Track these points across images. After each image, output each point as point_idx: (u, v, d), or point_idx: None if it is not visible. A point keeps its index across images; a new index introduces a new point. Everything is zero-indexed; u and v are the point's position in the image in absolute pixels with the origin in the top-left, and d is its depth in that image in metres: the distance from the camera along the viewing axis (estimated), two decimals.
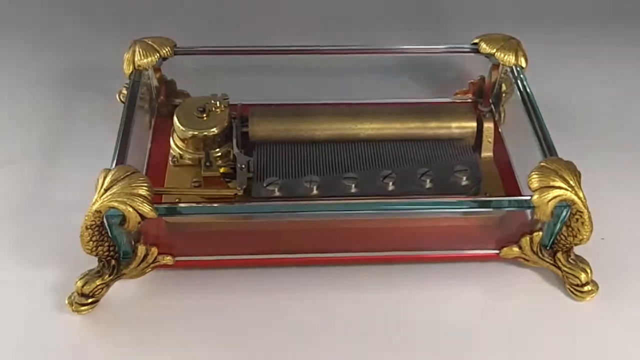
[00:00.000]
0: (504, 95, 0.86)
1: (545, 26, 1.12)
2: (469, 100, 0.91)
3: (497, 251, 0.73)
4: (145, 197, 0.64)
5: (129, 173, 0.66)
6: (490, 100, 0.89)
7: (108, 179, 0.65)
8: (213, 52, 0.86)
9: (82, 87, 0.96)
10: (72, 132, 0.90)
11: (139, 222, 0.65)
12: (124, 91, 0.88)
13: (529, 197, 0.67)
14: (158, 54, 0.82)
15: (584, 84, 1.01)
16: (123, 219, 0.65)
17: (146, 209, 0.64)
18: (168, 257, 0.71)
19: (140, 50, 0.82)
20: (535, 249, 0.72)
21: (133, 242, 0.69)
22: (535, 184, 0.67)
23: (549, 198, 0.66)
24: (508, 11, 1.15)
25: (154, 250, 0.70)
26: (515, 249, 0.72)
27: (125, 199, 0.64)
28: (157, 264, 0.71)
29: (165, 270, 0.72)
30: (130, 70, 0.81)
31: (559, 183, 0.66)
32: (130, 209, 0.64)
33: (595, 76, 1.03)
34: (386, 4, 1.16)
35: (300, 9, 1.14)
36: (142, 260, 0.70)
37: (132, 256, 0.70)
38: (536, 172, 0.68)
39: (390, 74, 0.97)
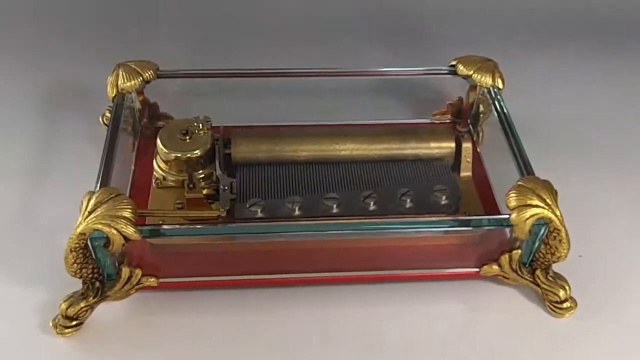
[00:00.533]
0: (481, 115, 0.87)
1: (521, 47, 1.15)
2: (448, 121, 0.92)
3: (477, 269, 0.74)
4: (129, 219, 0.65)
5: (112, 195, 0.66)
6: (469, 121, 0.90)
7: (92, 202, 0.65)
8: (195, 75, 0.86)
9: (66, 108, 0.97)
10: (56, 152, 0.90)
11: (123, 244, 0.65)
12: (107, 114, 0.88)
13: (507, 216, 0.68)
14: (141, 78, 0.83)
15: (559, 103, 1.03)
16: (107, 241, 0.65)
17: (130, 231, 0.65)
18: (152, 279, 0.71)
19: (124, 73, 0.82)
20: (514, 267, 0.73)
21: (117, 264, 0.69)
22: (513, 203, 0.68)
23: (527, 216, 0.67)
24: (483, 32, 1.17)
25: (138, 272, 0.70)
26: (495, 266, 0.73)
27: (109, 222, 0.64)
28: (141, 285, 0.71)
29: (149, 292, 0.72)
30: (114, 93, 0.82)
31: (536, 201, 0.67)
32: (114, 231, 0.64)
33: (569, 95, 1.05)
34: (366, 27, 1.19)
35: (281, 32, 1.16)
36: (126, 282, 0.70)
37: (116, 278, 0.70)
38: (514, 191, 0.69)
39: (369, 95, 0.98)
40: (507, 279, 0.73)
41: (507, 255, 0.72)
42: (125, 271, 0.70)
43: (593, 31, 1.20)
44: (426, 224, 0.69)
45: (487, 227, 0.70)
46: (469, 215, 0.75)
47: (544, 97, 1.03)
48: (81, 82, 1.01)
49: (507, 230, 0.71)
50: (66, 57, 1.08)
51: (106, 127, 0.80)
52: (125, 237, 0.65)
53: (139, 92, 0.85)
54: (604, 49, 1.16)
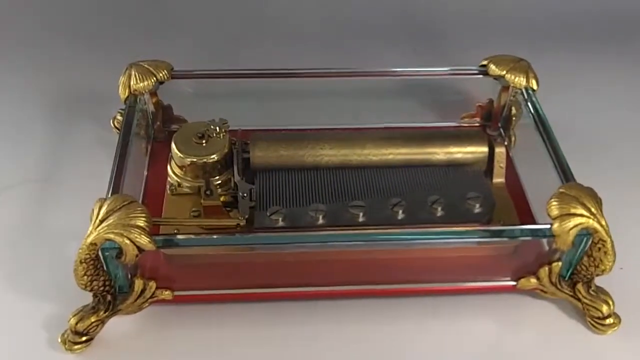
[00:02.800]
0: (513, 118, 0.84)
1: (548, 46, 1.11)
2: (477, 125, 0.88)
3: (513, 282, 0.70)
4: (143, 228, 0.61)
5: (125, 203, 0.62)
6: (499, 124, 0.86)
7: (103, 210, 0.62)
8: (211, 75, 0.83)
9: (76, 112, 0.94)
10: (67, 158, 0.87)
11: (137, 255, 0.62)
12: (119, 117, 0.85)
13: (548, 226, 0.64)
14: (155, 78, 0.79)
15: (592, 106, 0.99)
16: (119, 251, 0.61)
17: (144, 240, 0.61)
18: (167, 292, 0.68)
19: (136, 73, 0.79)
20: (554, 280, 0.69)
21: (130, 276, 0.66)
22: (555, 212, 0.64)
23: (570, 226, 0.63)
24: (511, 31, 1.14)
25: (152, 284, 0.67)
26: (533, 280, 0.69)
27: (122, 231, 0.60)
28: (155, 298, 0.67)
29: (163, 306, 0.69)
30: (126, 94, 0.78)
31: (580, 210, 0.63)
32: (127, 241, 0.60)
33: (604, 98, 1.01)
34: (388, 27, 1.15)
35: (301, 32, 1.13)
36: (140, 295, 0.67)
37: (128, 291, 0.66)
38: (556, 199, 0.65)
39: (391, 97, 0.93)
40: (545, 292, 0.70)
41: (546, 268, 0.68)
42: (138, 283, 0.66)
43: (624, 31, 1.16)
44: (461, 234, 0.65)
45: (526, 238, 0.66)
46: (504, 224, 0.71)
47: (576, 98, 1.00)
48: (91, 85, 0.97)
49: (545, 240, 0.68)
50: (75, 59, 1.05)
51: (117, 131, 0.77)
52: (138, 248, 0.61)
53: (152, 93, 0.81)
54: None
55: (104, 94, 0.90)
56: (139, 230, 0.61)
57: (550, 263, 0.68)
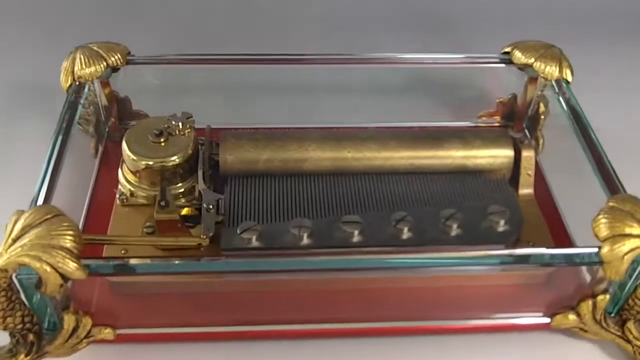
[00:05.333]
0: (541, 117, 0.73)
1: (579, 38, 1.00)
2: (496, 125, 0.78)
3: (547, 319, 0.59)
4: (70, 250, 0.49)
5: (48, 216, 0.50)
6: (524, 124, 0.76)
7: (19, 225, 0.50)
8: (176, 61, 0.71)
9: (21, 105, 0.84)
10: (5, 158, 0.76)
11: (61, 285, 0.49)
12: None
13: (595, 249, 0.52)
14: (105, 63, 0.67)
15: (630, 105, 0.88)
16: (39, 279, 0.49)
17: (70, 266, 0.48)
18: (107, 330, 0.57)
19: (82, 57, 0.67)
20: (598, 317, 0.57)
21: (60, 310, 0.54)
22: (604, 232, 0.52)
23: (625, 251, 0.51)
24: (535, 20, 1.04)
25: (87, 320, 0.55)
26: (572, 316, 0.58)
27: (39, 253, 0.48)
28: (91, 338, 0.56)
29: (105, 346, 0.58)
30: (68, 82, 0.66)
31: (638, 230, 0.51)
32: (48, 267, 0.48)
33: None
34: (391, 15, 1.05)
35: (293, 17, 1.02)
36: (72, 334, 0.55)
37: (58, 328, 0.55)
38: (605, 216, 0.53)
39: (395, 93, 0.85)
40: (586, 332, 0.59)
41: (589, 302, 0.57)
42: (68, 320, 0.55)
43: None
44: (482, 259, 0.54)
45: (566, 265, 0.54)
46: (534, 246, 0.61)
47: (610, 97, 0.88)
48: (40, 76, 0.87)
49: (584, 268, 0.59)
50: (19, 45, 0.95)
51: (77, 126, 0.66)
52: (62, 276, 0.49)
53: (104, 82, 0.70)
54: None
55: (55, 87, 0.78)
56: (64, 253, 0.48)
57: (594, 296, 0.57)
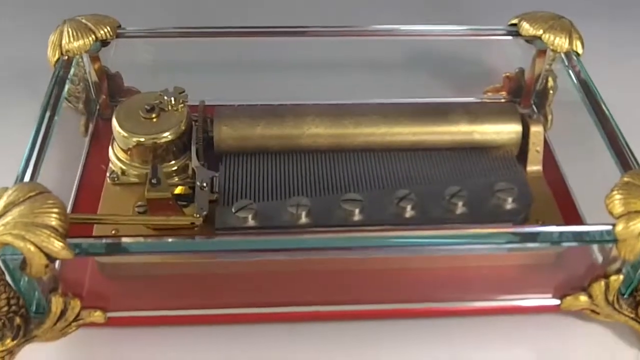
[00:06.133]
0: (550, 92, 0.70)
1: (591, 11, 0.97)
2: (503, 101, 0.75)
3: (556, 301, 0.57)
4: (55, 228, 0.46)
5: (32, 194, 0.48)
6: (532, 100, 0.73)
7: (1, 203, 0.47)
8: (169, 34, 0.68)
9: (11, 83, 0.81)
10: None
11: (46, 266, 0.47)
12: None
13: (609, 227, 0.49)
14: (94, 36, 0.64)
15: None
16: (24, 260, 0.47)
17: (56, 246, 0.46)
18: (97, 313, 0.54)
19: (70, 30, 0.64)
20: (611, 299, 0.55)
21: (48, 292, 0.52)
22: (619, 208, 0.49)
23: None
24: None
25: (76, 303, 0.53)
26: (583, 298, 0.56)
27: (23, 232, 0.45)
28: (81, 322, 0.54)
29: (95, 330, 0.56)
30: (56, 57, 0.64)
31: None
32: (31, 247, 0.46)
33: None
34: None
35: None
36: (60, 318, 0.53)
37: (45, 311, 0.53)
38: (620, 191, 0.50)
39: (398, 68, 0.82)
40: (598, 314, 0.57)
41: (601, 283, 0.54)
42: (56, 302, 0.52)
43: None
44: (489, 237, 0.51)
45: (578, 243, 0.51)
46: (543, 224, 0.58)
47: (620, 73, 0.85)
48: (29, 55, 0.81)
49: (595, 247, 0.57)
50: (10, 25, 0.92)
51: (67, 104, 0.65)
52: (48, 256, 0.46)
53: (94, 57, 0.67)
54: None
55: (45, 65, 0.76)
56: (48, 232, 0.46)
57: (607, 276, 0.54)
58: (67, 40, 0.63)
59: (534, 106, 0.73)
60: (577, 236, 0.50)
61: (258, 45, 0.73)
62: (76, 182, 0.64)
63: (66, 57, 0.63)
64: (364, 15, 0.95)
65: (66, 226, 0.47)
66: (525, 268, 0.59)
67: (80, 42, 0.63)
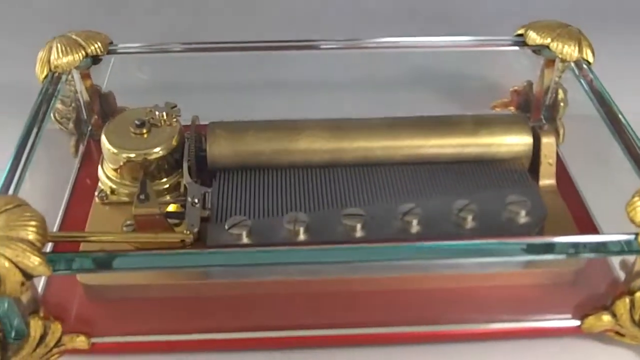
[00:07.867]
0: (561, 104, 0.67)
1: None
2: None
3: (576, 322, 0.53)
4: (32, 242, 0.43)
5: (9, 206, 0.45)
6: (542, 114, 0.70)
7: None
8: (162, 50, 0.66)
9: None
10: None
11: (22, 284, 0.44)
12: (59, 106, 0.67)
13: (632, 236, 0.46)
14: (84, 52, 0.62)
15: None
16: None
17: (32, 261, 0.43)
18: (80, 338, 0.51)
19: (60, 45, 0.62)
20: (637, 318, 0.51)
21: (27, 315, 0.49)
22: None
23: None
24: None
25: (57, 326, 0.50)
26: (606, 317, 0.52)
27: None
28: (63, 347, 0.51)
29: (79, 356, 0.53)
30: (44, 74, 0.62)
31: None
32: (6, 262, 0.42)
33: None
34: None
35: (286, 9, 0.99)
36: (40, 343, 0.50)
37: (24, 336, 0.49)
38: None
39: (396, 87, 0.80)
40: (623, 335, 0.54)
41: (625, 300, 0.51)
42: (35, 326, 0.49)
43: None
44: (502, 247, 0.48)
45: (595, 255, 0.50)
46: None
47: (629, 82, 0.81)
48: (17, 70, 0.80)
49: (616, 262, 0.54)
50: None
51: (60, 126, 0.64)
52: (23, 272, 0.43)
53: (84, 74, 0.65)
54: None
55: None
56: (24, 246, 0.43)
57: (631, 293, 0.51)
58: (56, 56, 0.61)
59: (544, 121, 0.70)
60: (596, 247, 0.47)
61: (256, 62, 0.72)
62: (64, 203, 0.61)
63: (55, 73, 0.61)
64: (363, 29, 0.94)
65: (44, 240, 0.44)
66: (542, 287, 0.56)
67: (70, 57, 0.61)
